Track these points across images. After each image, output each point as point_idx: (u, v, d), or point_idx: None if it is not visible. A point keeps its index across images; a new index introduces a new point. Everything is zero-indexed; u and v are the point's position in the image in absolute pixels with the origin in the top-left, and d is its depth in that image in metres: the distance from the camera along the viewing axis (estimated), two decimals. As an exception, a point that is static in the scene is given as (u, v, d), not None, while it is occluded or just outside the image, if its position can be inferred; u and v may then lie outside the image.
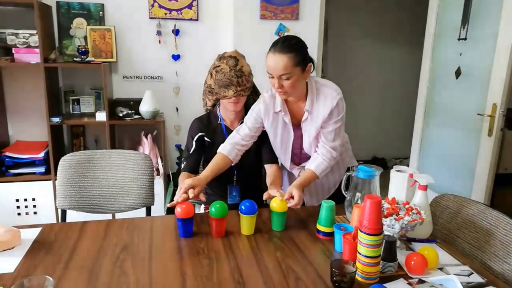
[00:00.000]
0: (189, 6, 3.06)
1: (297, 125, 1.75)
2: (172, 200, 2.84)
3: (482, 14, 2.60)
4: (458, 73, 2.79)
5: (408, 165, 4.49)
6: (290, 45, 1.53)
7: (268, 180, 1.80)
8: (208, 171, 1.67)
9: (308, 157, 1.80)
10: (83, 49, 2.72)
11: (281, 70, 1.52)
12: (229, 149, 1.73)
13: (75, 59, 2.79)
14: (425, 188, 1.40)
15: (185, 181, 1.54)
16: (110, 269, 1.21)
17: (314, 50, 3.13)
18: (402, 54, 4.84)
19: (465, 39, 2.72)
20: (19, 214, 2.77)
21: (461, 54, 2.76)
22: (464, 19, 2.74)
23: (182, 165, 1.85)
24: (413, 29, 4.57)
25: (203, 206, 1.97)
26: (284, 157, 1.84)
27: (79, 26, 2.91)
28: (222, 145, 1.76)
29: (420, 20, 3.32)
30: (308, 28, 3.07)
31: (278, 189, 1.57)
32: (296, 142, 1.78)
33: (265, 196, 1.59)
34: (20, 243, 1.34)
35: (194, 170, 1.82)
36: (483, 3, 2.59)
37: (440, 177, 2.85)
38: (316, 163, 1.70)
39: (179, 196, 1.49)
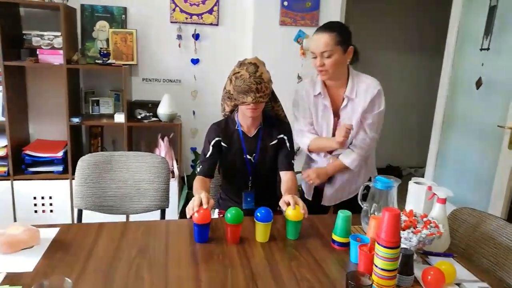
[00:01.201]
0: (210, 11, 3.09)
1: (335, 112, 1.81)
2: (185, 204, 2.87)
3: (506, 24, 2.56)
4: (479, 83, 2.74)
5: (423, 175, 4.43)
6: (332, 25, 1.69)
7: (283, 187, 1.79)
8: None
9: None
10: (105, 52, 2.76)
11: (323, 47, 1.65)
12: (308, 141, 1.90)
13: (96, 61, 2.84)
14: (444, 201, 1.38)
15: (202, 194, 1.51)
16: (126, 272, 1.22)
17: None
18: (420, 62, 4.79)
19: (488, 49, 2.68)
20: (35, 211, 2.82)
21: (483, 65, 2.71)
22: (487, 29, 2.69)
23: (198, 169, 1.86)
24: (433, 37, 4.52)
25: (217, 211, 1.98)
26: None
27: (102, 29, 2.97)
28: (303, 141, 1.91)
29: (441, 28, 3.27)
30: (327, 35, 3.06)
31: (293, 196, 1.56)
32: (333, 129, 1.82)
33: (281, 203, 1.58)
34: (39, 243, 1.36)
35: (209, 174, 1.83)
36: (508, 13, 2.55)
37: (457, 188, 2.79)
38: (351, 159, 1.81)
39: (194, 205, 1.47)
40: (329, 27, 1.68)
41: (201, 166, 1.83)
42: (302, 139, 1.93)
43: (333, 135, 1.82)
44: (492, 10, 2.67)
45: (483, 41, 2.72)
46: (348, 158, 1.83)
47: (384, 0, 4.57)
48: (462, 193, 2.80)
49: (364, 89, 1.75)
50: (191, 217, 1.43)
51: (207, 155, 1.83)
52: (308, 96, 1.86)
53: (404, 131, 4.96)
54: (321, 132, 1.89)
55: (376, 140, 1.83)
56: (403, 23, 4.64)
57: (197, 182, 1.77)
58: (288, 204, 1.50)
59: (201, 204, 1.46)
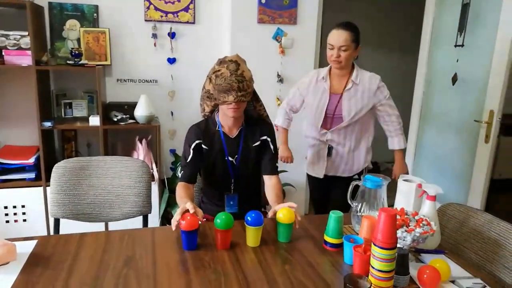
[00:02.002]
0: (186, 9, 3.01)
1: (334, 94, 2.12)
2: (166, 207, 2.79)
3: (479, 21, 2.62)
4: (454, 79, 2.80)
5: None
6: (350, 25, 2.02)
7: (271, 194, 1.74)
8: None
9: (338, 123, 2.13)
10: (77, 52, 2.64)
11: (342, 42, 1.98)
12: (282, 121, 2.37)
13: (68, 61, 2.71)
14: (433, 198, 1.38)
15: (187, 204, 1.45)
16: (114, 285, 1.16)
17: (311, 55, 3.12)
18: (397, 59, 4.87)
19: (462, 45, 2.74)
20: (7, 221, 2.67)
21: (457, 61, 2.77)
22: (461, 26, 2.75)
23: (179, 174, 1.78)
24: (408, 35, 4.59)
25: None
26: (318, 119, 2.16)
27: (72, 28, 2.84)
28: (278, 121, 2.37)
29: (416, 26, 3.33)
30: (306, 33, 3.05)
31: (289, 207, 1.49)
32: (330, 108, 2.12)
33: (270, 214, 1.55)
34: (15, 258, 1.27)
35: (191, 180, 1.76)
36: (481, 10, 2.61)
37: (435, 182, 2.83)
38: (396, 141, 2.21)
39: (178, 213, 1.42)
40: (348, 26, 2.01)
41: (182, 172, 1.76)
42: (279, 117, 2.37)
43: (326, 113, 2.14)
44: (465, 7, 2.73)
45: (457, 38, 2.79)
46: (395, 144, 2.22)
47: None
48: (440, 186, 2.84)
49: (368, 78, 2.11)
50: (170, 221, 1.37)
51: (188, 160, 1.76)
52: (310, 82, 2.19)
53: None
54: (313, 111, 2.17)
55: (399, 116, 2.21)
56: (379, 21, 4.70)
57: (180, 189, 1.69)
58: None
59: (187, 211, 1.41)
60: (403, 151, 2.27)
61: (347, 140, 2.19)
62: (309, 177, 2.39)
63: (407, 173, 2.28)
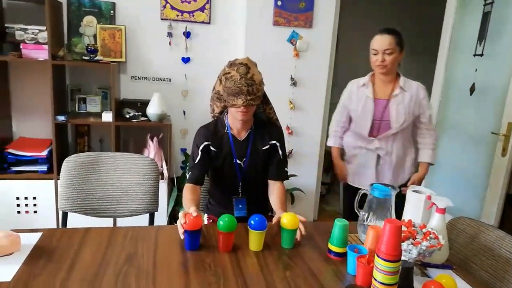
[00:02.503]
0: (202, 9, 3.02)
1: (379, 100, 2.09)
2: (174, 206, 2.80)
3: (500, 31, 2.55)
4: (472, 89, 2.73)
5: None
6: (394, 30, 2.03)
7: (275, 200, 1.73)
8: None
9: (385, 130, 2.09)
10: (92, 48, 2.67)
11: (386, 45, 1.98)
12: (334, 141, 2.34)
13: (83, 57, 2.74)
14: (443, 211, 1.34)
15: (191, 209, 1.41)
16: (113, 281, 1.16)
17: (326, 59, 3.09)
18: (413, 65, 4.77)
19: (482, 55, 2.67)
20: (19, 212, 2.71)
21: (476, 70, 2.71)
22: (481, 35, 2.69)
23: (187, 175, 1.78)
24: (426, 41, 4.51)
25: (206, 215, 1.91)
26: (364, 126, 2.12)
27: (89, 24, 2.87)
28: (330, 142, 2.38)
29: (435, 32, 3.26)
30: (321, 36, 3.03)
31: (300, 221, 1.48)
32: (376, 114, 2.09)
33: (274, 220, 1.54)
34: (19, 249, 1.29)
35: (199, 182, 1.75)
36: (502, 19, 2.54)
37: (449, 195, 2.73)
38: (428, 154, 2.14)
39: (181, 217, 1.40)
40: (391, 30, 2.02)
41: (190, 173, 1.76)
42: (330, 139, 2.37)
43: (373, 122, 2.10)
44: (485, 16, 2.66)
45: (476, 47, 2.72)
46: (426, 156, 2.15)
47: (377, 2, 4.56)
48: (454, 200, 2.77)
49: (415, 85, 2.10)
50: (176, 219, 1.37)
51: (196, 161, 1.75)
52: (352, 90, 2.20)
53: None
54: (359, 117, 2.14)
55: (436, 131, 2.22)
56: (397, 27, 4.63)
57: (187, 191, 1.69)
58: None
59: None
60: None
61: (394, 149, 2.13)
62: (348, 187, 2.29)
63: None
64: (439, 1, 3.01)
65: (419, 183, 2.19)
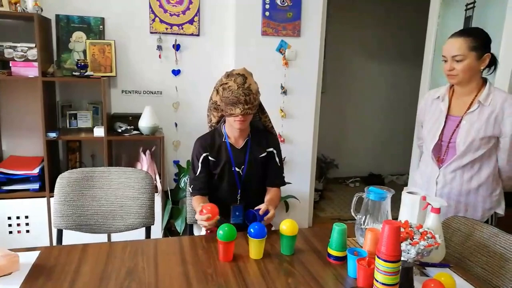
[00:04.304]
0: (191, 22, 3.05)
1: (453, 116, 1.72)
2: (169, 219, 2.79)
3: (482, 34, 2.62)
4: (458, 91, 2.79)
5: (405, 182, 4.49)
6: (469, 30, 1.67)
7: (266, 198, 1.81)
8: None
9: (452, 156, 1.70)
10: (82, 63, 2.67)
11: (455, 51, 1.60)
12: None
13: (73, 73, 2.74)
14: (438, 211, 1.37)
15: (201, 205, 1.61)
16: (115, 297, 1.15)
17: (314, 67, 3.13)
18: (400, 70, 4.88)
19: (466, 58, 2.73)
20: (10, 232, 2.67)
21: (461, 73, 2.77)
22: (464, 39, 2.75)
23: (190, 188, 1.81)
24: (412, 46, 4.62)
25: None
26: (430, 146, 1.77)
27: (78, 40, 2.87)
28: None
29: (420, 36, 3.34)
30: (309, 45, 3.07)
31: (268, 204, 1.65)
32: (445, 135, 1.72)
33: (261, 211, 1.63)
34: (18, 269, 1.27)
35: (205, 192, 1.81)
36: (483, 23, 2.62)
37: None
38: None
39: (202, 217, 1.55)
40: (466, 32, 1.65)
41: (192, 186, 1.80)
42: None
43: (440, 140, 1.74)
44: (467, 20, 2.74)
45: (460, 50, 2.79)
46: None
47: (365, 10, 4.65)
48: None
49: (502, 99, 1.61)
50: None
51: (197, 173, 1.80)
52: (426, 103, 1.86)
53: (386, 139, 5.02)
54: (426, 136, 1.83)
55: None
56: (383, 33, 4.73)
57: (196, 200, 1.76)
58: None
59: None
60: None
61: (456, 183, 1.72)
62: None
63: None
64: (426, 8, 3.09)
65: None
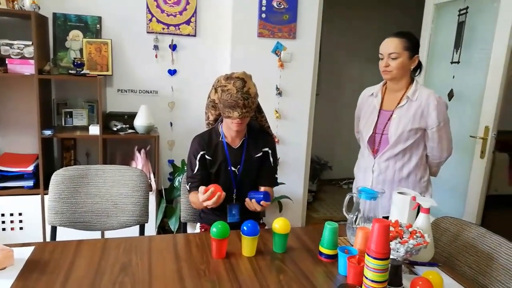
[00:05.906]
0: (187, 22, 3.07)
1: (385, 111, 1.91)
2: (163, 218, 2.80)
3: (475, 38, 2.67)
4: (450, 95, 2.84)
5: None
6: (403, 32, 1.82)
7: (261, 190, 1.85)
8: None
9: (384, 147, 1.89)
10: (79, 62, 2.68)
11: (391, 49, 1.79)
12: None
13: (70, 71, 2.75)
14: (427, 211, 1.40)
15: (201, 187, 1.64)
16: (109, 291, 1.17)
17: (310, 69, 3.16)
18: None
19: (458, 62, 2.79)
20: (3, 229, 2.67)
21: (454, 77, 2.82)
22: (457, 43, 2.81)
23: (188, 186, 1.83)
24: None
25: (199, 225, 1.93)
26: (366, 138, 1.96)
27: (75, 38, 2.88)
28: None
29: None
30: (305, 47, 3.10)
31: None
32: (378, 127, 1.91)
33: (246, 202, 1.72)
34: (13, 263, 1.28)
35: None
36: (475, 28, 2.66)
37: (431, 196, 2.86)
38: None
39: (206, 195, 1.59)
40: (401, 33, 1.82)
41: (190, 183, 1.82)
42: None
43: (373, 132, 1.92)
44: (460, 25, 2.79)
45: (453, 55, 2.84)
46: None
47: (360, 13, 4.69)
48: (436, 202, 2.87)
49: (426, 95, 1.82)
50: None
51: (195, 171, 1.81)
52: (363, 100, 2.07)
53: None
54: (362, 129, 2.01)
55: (450, 148, 1.96)
56: (377, 37, 4.76)
57: (194, 193, 1.76)
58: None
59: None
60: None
61: (389, 170, 1.91)
62: None
63: None
64: (420, 13, 3.13)
65: None
